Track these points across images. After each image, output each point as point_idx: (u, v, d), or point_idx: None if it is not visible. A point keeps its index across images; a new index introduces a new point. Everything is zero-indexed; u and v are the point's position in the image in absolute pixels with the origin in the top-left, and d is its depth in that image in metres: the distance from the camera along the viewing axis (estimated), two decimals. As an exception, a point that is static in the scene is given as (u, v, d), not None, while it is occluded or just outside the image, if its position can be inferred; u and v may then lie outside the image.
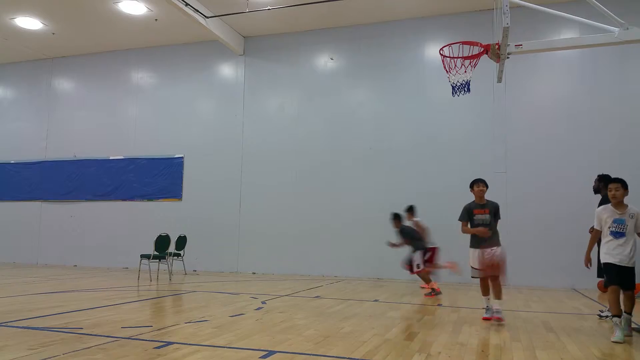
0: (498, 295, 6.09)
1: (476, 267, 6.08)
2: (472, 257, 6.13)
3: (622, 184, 5.28)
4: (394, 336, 5.05)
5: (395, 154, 12.07)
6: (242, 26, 13.11)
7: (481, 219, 6.14)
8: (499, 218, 6.23)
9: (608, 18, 6.24)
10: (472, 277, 6.19)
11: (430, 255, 9.34)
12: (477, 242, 6.11)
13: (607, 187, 5.41)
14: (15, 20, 12.91)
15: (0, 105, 16.25)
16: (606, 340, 5.14)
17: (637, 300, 5.62)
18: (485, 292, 6.21)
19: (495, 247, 6.02)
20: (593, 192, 7.33)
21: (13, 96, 16.22)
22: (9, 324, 5.31)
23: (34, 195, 15.28)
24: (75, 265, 14.31)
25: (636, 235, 5.23)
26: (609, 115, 10.81)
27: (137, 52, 14.76)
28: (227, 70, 13.94)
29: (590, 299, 8.75)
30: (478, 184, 6.27)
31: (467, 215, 6.26)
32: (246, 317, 6.07)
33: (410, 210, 9.72)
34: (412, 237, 9.10)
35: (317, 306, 7.13)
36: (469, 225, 6.24)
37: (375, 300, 7.91)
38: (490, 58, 6.64)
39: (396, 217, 9.35)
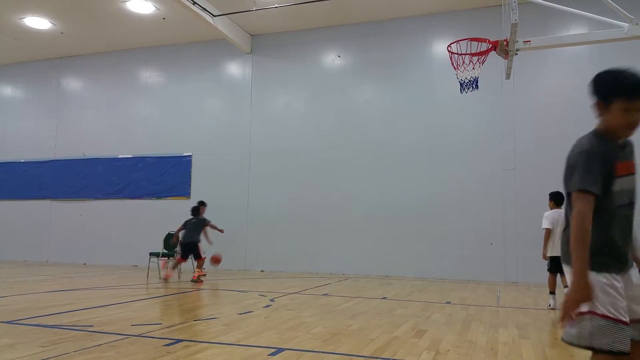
0: None
1: (626, 318, 2.14)
2: (608, 293, 2.16)
3: None
4: (403, 334, 5.05)
5: (403, 151, 12.03)
6: (249, 24, 13.12)
7: (628, 184, 2.33)
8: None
9: (618, 13, 6.19)
10: (615, 351, 2.08)
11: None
12: (621, 253, 2.28)
13: None
14: (24, 20, 13.00)
15: (10, 105, 16.38)
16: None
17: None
18: None
19: None
20: None
21: (22, 96, 16.34)
22: (20, 321, 5.36)
23: (44, 194, 15.39)
24: (85, 264, 14.40)
25: None
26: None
27: (145, 50, 14.81)
28: (234, 69, 13.95)
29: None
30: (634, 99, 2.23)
31: (601, 174, 2.26)
32: (255, 315, 6.09)
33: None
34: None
35: (325, 304, 7.14)
36: (605, 206, 2.26)
37: (384, 298, 7.91)
38: (499, 54, 6.62)
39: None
